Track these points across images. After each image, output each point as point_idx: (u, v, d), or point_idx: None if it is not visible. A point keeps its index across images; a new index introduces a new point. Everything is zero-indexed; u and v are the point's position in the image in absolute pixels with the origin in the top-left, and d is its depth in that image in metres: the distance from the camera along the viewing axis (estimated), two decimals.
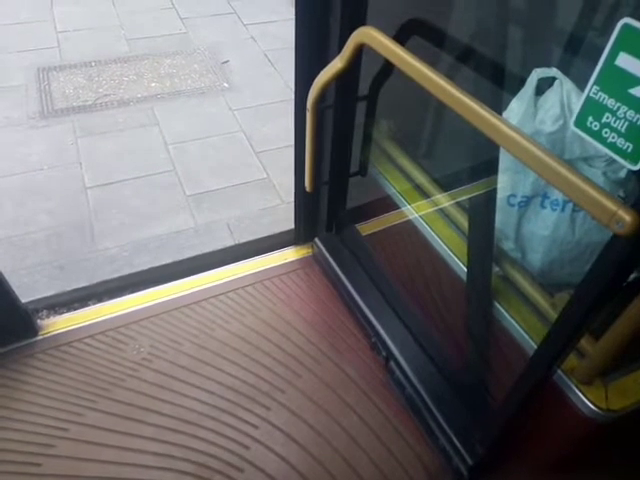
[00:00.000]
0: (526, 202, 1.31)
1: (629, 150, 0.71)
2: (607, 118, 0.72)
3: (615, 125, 0.71)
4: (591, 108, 0.73)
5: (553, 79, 1.31)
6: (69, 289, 1.88)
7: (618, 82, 0.69)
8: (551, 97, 1.32)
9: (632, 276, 1.35)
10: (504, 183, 1.30)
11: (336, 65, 1.20)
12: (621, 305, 0.95)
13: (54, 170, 2.48)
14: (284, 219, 2.20)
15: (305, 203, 1.71)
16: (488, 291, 1.22)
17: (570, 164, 1.31)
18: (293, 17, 1.38)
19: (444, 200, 1.36)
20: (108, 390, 1.50)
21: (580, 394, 1.09)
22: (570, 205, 1.29)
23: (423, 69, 0.97)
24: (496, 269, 1.23)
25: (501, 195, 1.26)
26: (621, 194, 1.31)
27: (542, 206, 1.31)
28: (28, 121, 2.75)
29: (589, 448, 1.25)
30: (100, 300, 1.82)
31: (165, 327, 1.66)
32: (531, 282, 1.20)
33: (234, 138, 2.80)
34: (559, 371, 1.12)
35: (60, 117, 2.80)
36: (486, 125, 0.87)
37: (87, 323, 1.66)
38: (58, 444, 1.39)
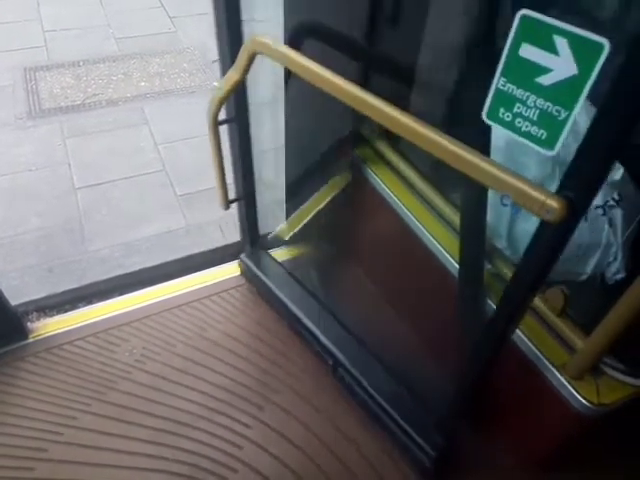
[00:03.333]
0: None
1: (544, 137, 0.72)
2: (518, 108, 0.72)
3: (527, 114, 0.72)
4: (501, 100, 0.74)
5: None
6: (59, 291, 1.86)
7: (524, 72, 0.70)
8: None
9: (620, 276, 1.38)
10: None
11: (232, 77, 1.17)
12: (611, 301, 0.96)
13: (43, 171, 2.46)
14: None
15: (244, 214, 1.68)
16: (481, 287, 1.24)
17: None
18: (282, 16, 1.38)
19: (435, 197, 1.37)
20: (101, 393, 1.49)
21: (571, 389, 1.10)
22: None
23: (320, 71, 0.97)
24: (488, 266, 1.24)
25: (494, 194, 1.27)
26: (615, 197, 1.33)
27: None
28: (15, 122, 2.72)
29: (580, 442, 1.26)
30: (91, 302, 1.80)
31: (157, 328, 1.65)
32: None
33: (225, 137, 2.79)
34: (550, 366, 1.13)
35: (48, 117, 2.77)
36: (397, 125, 0.86)
37: (78, 325, 1.64)
38: (51, 448, 1.37)
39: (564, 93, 0.68)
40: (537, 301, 1.19)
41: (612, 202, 1.34)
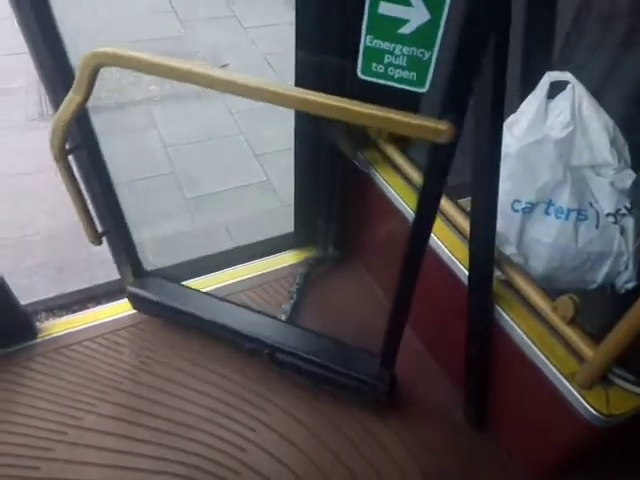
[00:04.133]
0: (530, 208, 1.32)
1: (414, 78, 0.84)
2: (388, 59, 0.83)
3: (397, 62, 0.83)
4: (371, 55, 0.84)
5: (566, 83, 1.32)
6: (68, 291, 1.87)
7: (386, 27, 0.81)
8: (562, 102, 1.32)
9: (631, 284, 1.37)
10: (508, 188, 1.30)
11: (74, 99, 1.06)
12: (621, 310, 0.95)
13: (52, 172, 2.47)
14: (283, 222, 2.20)
15: None
16: (489, 294, 1.23)
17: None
18: (293, 20, 1.38)
19: (444, 202, 1.36)
20: (106, 393, 1.49)
21: (581, 399, 1.09)
22: (574, 214, 1.30)
23: (177, 65, 1.03)
24: (497, 273, 1.24)
25: (504, 200, 1.26)
26: (627, 204, 1.32)
27: (546, 213, 1.31)
28: (27, 123, 2.75)
29: (590, 453, 1.25)
30: (100, 303, 1.81)
31: (162, 330, 1.65)
32: (533, 286, 1.20)
33: (234, 141, 2.80)
34: (560, 375, 1.12)
35: None
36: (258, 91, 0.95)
37: (86, 326, 1.65)
38: (57, 448, 1.38)
39: (424, 37, 0.81)
40: (546, 309, 1.18)
41: (624, 210, 1.33)
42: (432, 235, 1.37)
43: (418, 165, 1.48)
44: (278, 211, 2.44)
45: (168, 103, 3.00)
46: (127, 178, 2.48)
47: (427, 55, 0.81)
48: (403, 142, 1.53)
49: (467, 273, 1.25)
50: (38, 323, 1.62)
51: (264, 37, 3.63)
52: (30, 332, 1.58)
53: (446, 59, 0.84)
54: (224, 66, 3.33)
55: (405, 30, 0.80)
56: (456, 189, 1.35)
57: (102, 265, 2.03)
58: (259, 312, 1.57)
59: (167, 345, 1.61)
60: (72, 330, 1.63)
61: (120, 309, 1.70)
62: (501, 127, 1.02)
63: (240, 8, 4.00)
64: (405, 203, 1.48)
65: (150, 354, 1.59)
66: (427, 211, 1.06)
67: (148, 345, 1.61)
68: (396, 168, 1.55)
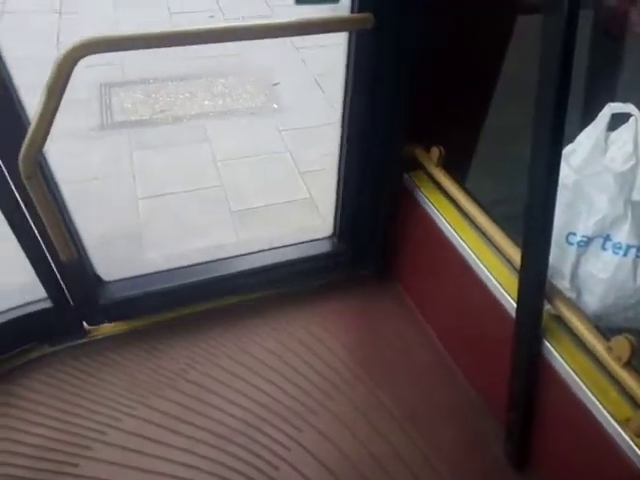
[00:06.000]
0: (586, 242, 1.27)
1: None
2: None
3: None
4: None
5: (628, 115, 1.28)
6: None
7: None
8: (624, 134, 1.28)
9: None
10: (564, 220, 1.26)
11: (49, 105, 1.00)
12: None
13: (109, 180, 2.60)
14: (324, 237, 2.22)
15: None
16: (538, 328, 1.18)
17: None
18: (344, 42, 1.42)
19: (495, 231, 1.34)
20: (146, 397, 1.52)
21: (635, 447, 1.02)
22: (634, 250, 1.24)
23: (149, 33, 1.11)
24: (547, 306, 1.19)
25: (559, 231, 1.22)
26: None
27: (603, 248, 1.26)
28: (88, 133, 2.91)
29: None
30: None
31: (200, 340, 1.68)
32: (585, 323, 1.15)
33: (280, 158, 2.86)
34: (612, 421, 1.06)
35: (118, 130, 2.94)
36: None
37: (130, 330, 1.70)
38: (96, 447, 1.42)
39: None
40: (600, 348, 1.12)
41: None
42: (478, 262, 1.35)
43: (468, 191, 1.46)
44: (319, 228, 2.46)
45: (220, 118, 3.11)
46: (178, 189, 2.58)
47: None
48: (453, 168, 1.52)
49: (515, 304, 1.21)
50: (86, 324, 1.68)
51: (315, 58, 3.71)
52: (79, 332, 1.64)
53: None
54: (276, 84, 3.42)
55: None
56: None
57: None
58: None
59: (206, 353, 1.64)
60: (117, 333, 1.69)
61: (162, 317, 1.74)
62: (559, 157, 1.00)
63: None
64: (452, 229, 1.46)
65: (189, 362, 1.62)
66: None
67: (187, 353, 1.64)
68: (444, 193, 1.53)
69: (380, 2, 1.22)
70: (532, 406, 1.29)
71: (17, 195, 1.30)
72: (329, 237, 1.88)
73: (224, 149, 2.86)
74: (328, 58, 3.70)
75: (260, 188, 2.65)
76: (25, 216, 1.34)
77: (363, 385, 1.58)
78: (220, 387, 1.56)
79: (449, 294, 1.60)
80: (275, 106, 3.25)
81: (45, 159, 1.34)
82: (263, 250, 1.80)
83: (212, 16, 4.05)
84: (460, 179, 1.51)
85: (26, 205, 1.31)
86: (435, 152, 1.48)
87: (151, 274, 1.69)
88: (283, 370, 1.61)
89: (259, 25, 1.24)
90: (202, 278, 1.69)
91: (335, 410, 1.51)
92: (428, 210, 1.54)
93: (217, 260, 1.78)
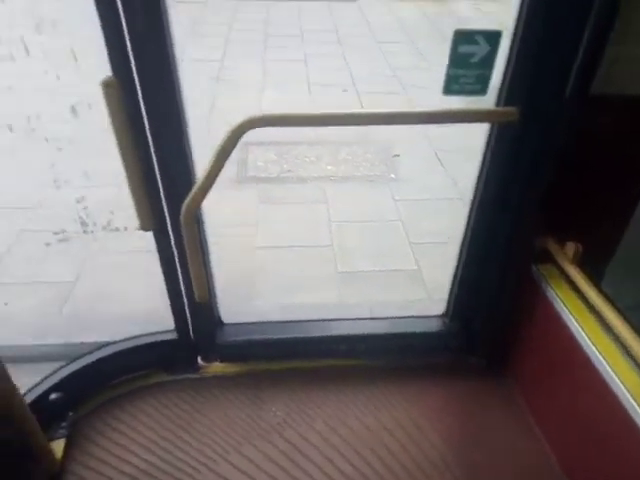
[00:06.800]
0: None
1: (480, 88, 1.25)
2: (463, 80, 1.23)
3: (468, 80, 1.23)
4: (451, 80, 1.23)
5: None
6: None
7: (462, 60, 1.21)
8: None
9: None
10: None
11: (216, 165, 1.19)
12: None
13: (235, 228, 2.85)
14: (427, 312, 2.18)
15: None
16: None
17: None
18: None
19: (635, 341, 1.21)
20: (241, 444, 1.57)
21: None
22: None
23: (313, 113, 1.29)
24: None
25: None
26: None
27: None
28: (225, 183, 3.23)
29: None
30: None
31: (302, 398, 1.70)
32: None
33: (392, 226, 2.92)
34: None
35: (249, 184, 3.25)
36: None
37: (238, 373, 1.78)
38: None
39: (485, 61, 1.21)
40: None
41: None
42: (612, 374, 1.23)
43: (605, 293, 1.35)
44: (424, 302, 2.43)
45: (340, 183, 3.29)
46: (292, 243, 2.73)
47: (487, 72, 1.23)
48: (589, 264, 1.44)
49: None
50: (200, 360, 1.80)
51: (438, 134, 3.81)
52: (193, 366, 1.77)
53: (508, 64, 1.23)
54: (395, 156, 3.56)
55: (474, 60, 1.20)
56: None
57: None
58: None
59: (304, 413, 1.66)
60: (226, 374, 1.78)
61: (267, 366, 1.80)
62: None
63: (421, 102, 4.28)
64: (584, 332, 1.35)
65: (286, 418, 1.64)
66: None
67: (286, 409, 1.66)
68: (577, 291, 1.43)
69: (529, 99, 1.25)
70: None
71: (171, 237, 1.47)
72: (440, 316, 1.83)
73: (340, 211, 3.00)
74: (451, 135, 3.79)
75: (368, 253, 2.71)
76: (174, 257, 1.52)
77: (450, 473, 1.49)
78: (312, 451, 1.56)
79: (573, 406, 1.46)
80: (393, 176, 3.37)
81: (200, 208, 1.50)
82: (374, 318, 1.83)
83: (345, 90, 4.38)
84: (596, 276, 1.42)
85: (176, 247, 1.49)
86: (571, 248, 1.40)
87: (265, 323, 1.79)
88: (378, 449, 1.57)
89: (415, 112, 1.32)
90: (312, 335, 1.74)
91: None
92: (556, 307, 1.45)
93: (326, 320, 1.83)
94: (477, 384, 1.77)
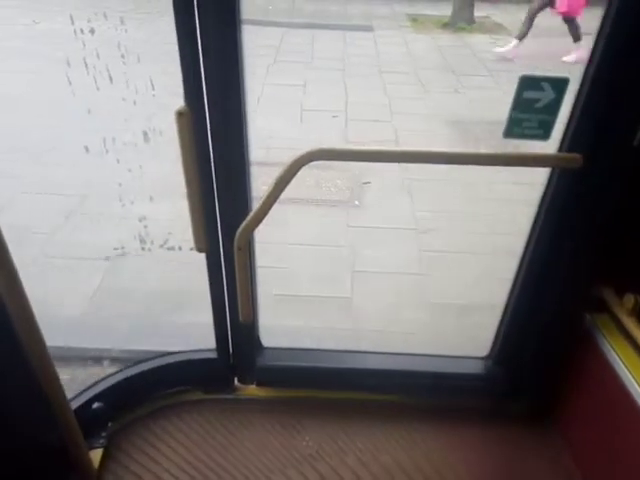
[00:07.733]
0: None
1: (542, 133, 1.25)
2: (525, 123, 1.24)
3: (531, 125, 1.24)
4: (514, 123, 1.24)
5: None
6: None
7: (526, 105, 1.22)
8: None
9: None
10: None
11: (273, 193, 1.22)
12: None
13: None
14: (355, 340, 2.30)
15: None
16: None
17: None
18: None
19: None
20: (272, 472, 1.57)
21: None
22: None
23: (369, 150, 1.34)
24: None
25: None
26: None
27: None
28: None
29: None
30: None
31: (335, 430, 1.70)
32: None
33: (336, 252, 2.98)
34: None
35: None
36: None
37: (274, 398, 1.79)
38: None
39: (550, 107, 1.22)
40: None
41: None
42: None
43: None
44: (350, 330, 2.39)
45: (302, 205, 3.38)
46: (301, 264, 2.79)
47: (551, 118, 1.23)
48: None
49: None
50: (237, 381, 1.79)
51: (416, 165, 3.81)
52: (229, 387, 1.77)
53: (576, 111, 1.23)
54: (366, 183, 3.67)
55: (538, 105, 1.22)
56: None
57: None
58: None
59: (337, 446, 1.66)
60: (260, 398, 1.78)
61: (302, 393, 1.78)
62: None
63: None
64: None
65: (319, 449, 1.64)
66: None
67: (319, 440, 1.66)
68: (635, 345, 1.38)
69: (594, 146, 1.24)
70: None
71: (222, 259, 1.49)
72: (483, 358, 1.76)
73: (294, 234, 3.05)
74: (429, 167, 3.94)
75: (309, 276, 2.73)
76: (222, 278, 1.53)
77: None
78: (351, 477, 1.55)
79: (623, 462, 1.39)
80: (356, 203, 3.45)
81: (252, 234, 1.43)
82: (415, 354, 1.80)
83: (336, 116, 4.43)
84: None
85: (225, 268, 1.50)
86: (630, 299, 1.35)
87: (304, 350, 1.83)
88: None
89: (477, 154, 1.37)
90: (349, 366, 1.77)
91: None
92: (610, 359, 1.40)
93: (366, 352, 1.86)
94: (518, 431, 1.71)
